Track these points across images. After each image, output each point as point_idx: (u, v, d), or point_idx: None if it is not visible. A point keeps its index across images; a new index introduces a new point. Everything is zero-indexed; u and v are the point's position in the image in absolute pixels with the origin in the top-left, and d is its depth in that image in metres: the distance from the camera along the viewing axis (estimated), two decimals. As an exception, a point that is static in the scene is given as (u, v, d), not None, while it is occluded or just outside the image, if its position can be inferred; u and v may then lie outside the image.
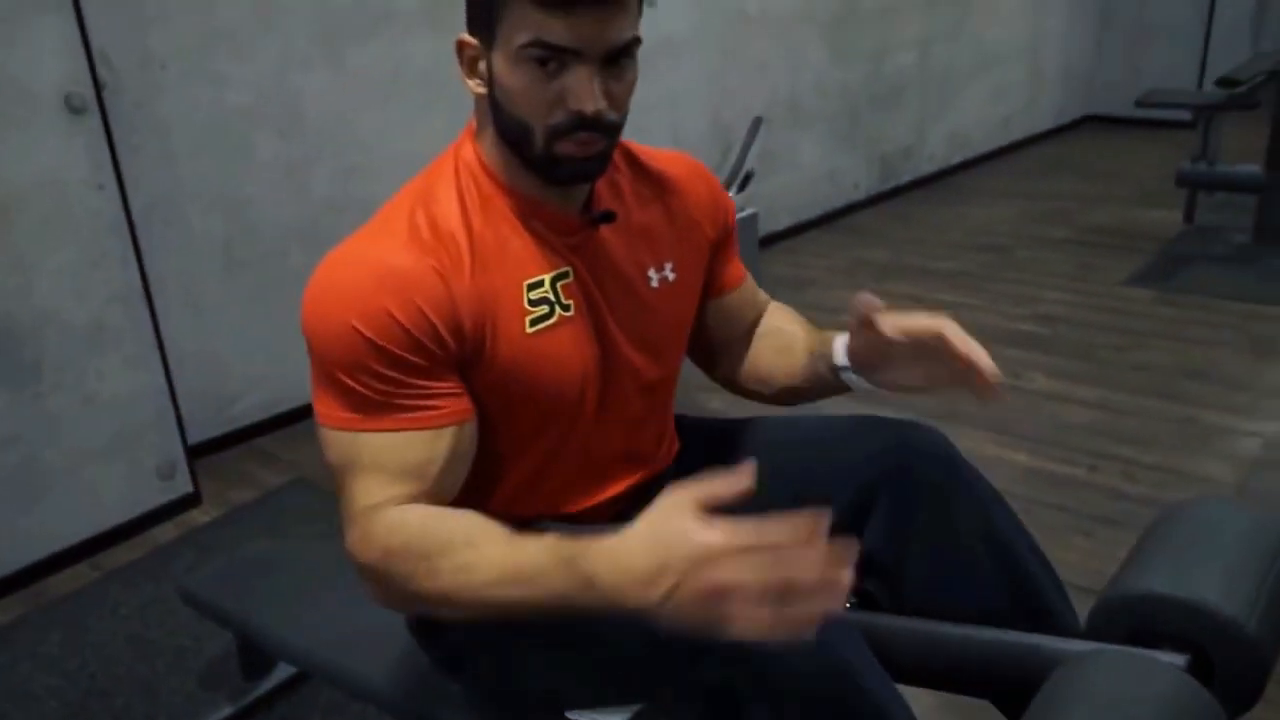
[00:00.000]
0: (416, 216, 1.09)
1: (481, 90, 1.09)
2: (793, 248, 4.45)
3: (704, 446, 1.34)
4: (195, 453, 2.63)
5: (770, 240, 4.40)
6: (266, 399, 2.93)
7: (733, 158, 4.09)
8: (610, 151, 1.10)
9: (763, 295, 1.40)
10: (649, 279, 1.20)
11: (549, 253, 1.13)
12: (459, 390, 1.07)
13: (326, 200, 2.90)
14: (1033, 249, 4.25)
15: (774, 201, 4.39)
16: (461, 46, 1.09)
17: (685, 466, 1.32)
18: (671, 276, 1.22)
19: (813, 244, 4.51)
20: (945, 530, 1.18)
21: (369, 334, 1.02)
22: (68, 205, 2.27)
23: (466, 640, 1.20)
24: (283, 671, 1.94)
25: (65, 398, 2.33)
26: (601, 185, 1.18)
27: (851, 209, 4.88)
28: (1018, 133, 5.94)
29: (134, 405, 2.44)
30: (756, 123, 4.12)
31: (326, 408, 1.06)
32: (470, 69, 1.09)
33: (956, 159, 5.51)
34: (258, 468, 2.78)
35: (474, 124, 1.15)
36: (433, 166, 1.17)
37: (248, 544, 2.38)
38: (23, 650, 2.12)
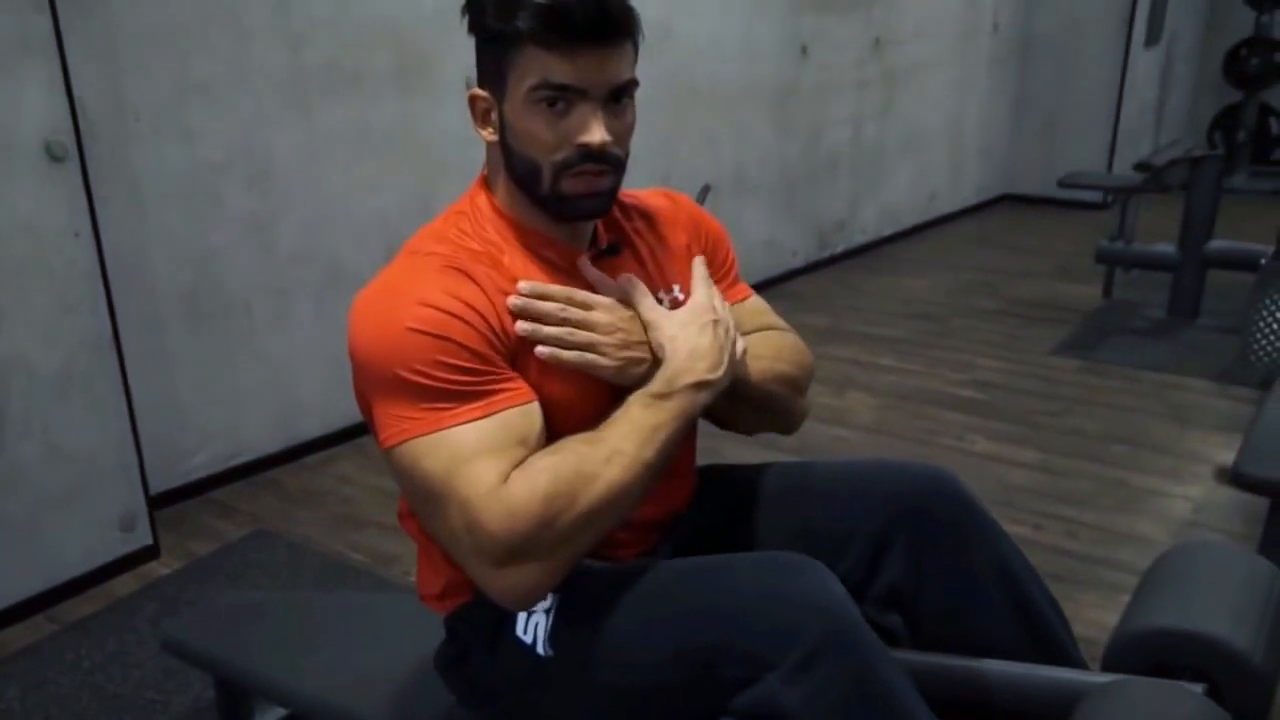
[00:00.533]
0: (443, 245, 1.17)
1: (493, 138, 1.18)
2: (736, 312, 4.57)
3: (722, 492, 1.40)
4: (153, 504, 2.59)
5: (715, 305, 4.50)
6: (225, 451, 2.90)
7: (682, 224, 4.21)
8: (615, 189, 1.20)
9: (769, 320, 1.42)
10: (660, 301, 1.27)
11: (566, 281, 1.21)
12: (522, 378, 1.14)
13: (291, 254, 2.91)
14: (964, 318, 4.44)
15: (718, 267, 4.50)
16: (474, 100, 1.19)
17: (703, 511, 1.38)
18: (681, 297, 1.30)
19: (755, 309, 4.63)
20: (961, 568, 1.25)
21: (428, 330, 1.08)
22: (43, 252, 2.25)
23: (497, 675, 1.23)
24: (260, 722, 1.92)
25: (29, 445, 2.28)
26: (601, 223, 1.28)
27: (791, 275, 5.03)
28: (942, 208, 6.20)
29: (98, 455, 2.41)
30: (705, 190, 4.25)
31: (407, 422, 1.08)
32: (483, 120, 1.19)
33: (886, 231, 5.73)
34: (216, 519, 2.74)
35: (485, 174, 1.25)
36: (449, 212, 1.25)
37: (226, 592, 2.36)
38: (-21, 706, 2.06)
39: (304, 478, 2.97)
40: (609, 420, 1.13)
